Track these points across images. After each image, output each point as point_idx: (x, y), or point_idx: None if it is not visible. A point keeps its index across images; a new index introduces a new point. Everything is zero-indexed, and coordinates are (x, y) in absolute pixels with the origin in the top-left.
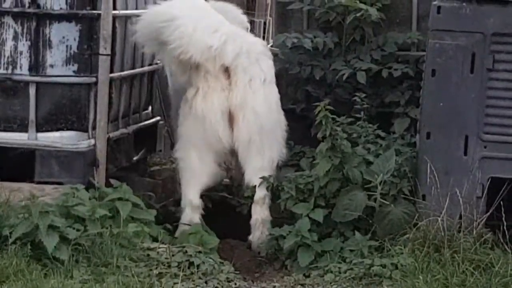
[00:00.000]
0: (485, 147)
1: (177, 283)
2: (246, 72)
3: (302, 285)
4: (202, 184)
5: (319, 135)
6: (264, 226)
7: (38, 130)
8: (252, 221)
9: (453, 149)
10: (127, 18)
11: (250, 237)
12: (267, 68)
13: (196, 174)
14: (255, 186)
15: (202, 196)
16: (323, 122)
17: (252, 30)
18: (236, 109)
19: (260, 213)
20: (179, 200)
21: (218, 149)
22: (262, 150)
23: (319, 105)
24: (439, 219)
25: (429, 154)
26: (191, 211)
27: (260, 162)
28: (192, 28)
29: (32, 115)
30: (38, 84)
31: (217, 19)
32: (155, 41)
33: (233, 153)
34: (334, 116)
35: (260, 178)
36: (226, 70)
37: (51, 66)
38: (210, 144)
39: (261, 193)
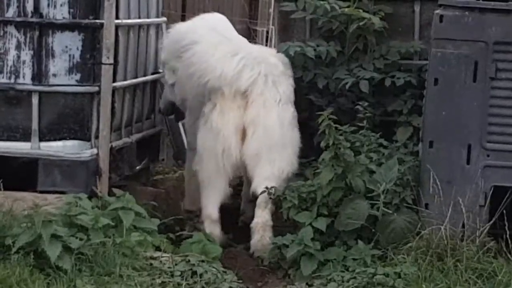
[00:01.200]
0: (488, 155)
1: None
2: (262, 95)
3: None
4: (220, 196)
5: (322, 144)
6: (264, 230)
7: (41, 140)
8: (253, 224)
9: (456, 157)
10: (129, 27)
11: (251, 241)
12: (284, 89)
13: (213, 187)
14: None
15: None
16: (327, 131)
17: (254, 39)
18: (248, 125)
19: (261, 216)
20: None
21: (231, 163)
22: (272, 160)
23: (322, 114)
24: (442, 227)
25: (432, 163)
26: (210, 225)
27: (269, 171)
28: (210, 55)
29: (35, 124)
30: (41, 93)
31: (237, 43)
32: (177, 59)
33: (244, 168)
34: (338, 125)
35: (266, 186)
36: (243, 92)
37: (54, 75)
38: (224, 158)
39: (263, 197)
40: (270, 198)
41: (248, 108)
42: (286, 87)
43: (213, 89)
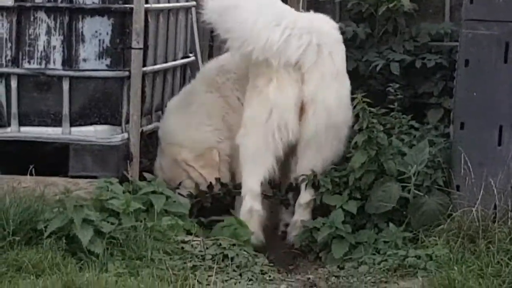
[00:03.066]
0: None
1: (212, 275)
2: (317, 67)
3: (336, 276)
4: (264, 172)
5: (356, 127)
6: (302, 228)
7: (71, 125)
8: (293, 221)
9: (487, 139)
10: (159, 11)
11: (288, 231)
12: (340, 59)
13: (260, 162)
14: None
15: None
16: (360, 114)
17: None
18: (307, 102)
19: (302, 215)
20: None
21: (284, 141)
22: (321, 149)
23: (356, 97)
24: (474, 209)
25: (463, 144)
26: (252, 199)
27: (313, 162)
28: (253, 21)
29: (65, 110)
30: (71, 78)
31: (282, 9)
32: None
33: (292, 149)
34: (371, 109)
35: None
36: (296, 65)
37: (84, 60)
38: (277, 135)
39: (307, 197)
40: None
41: (305, 83)
42: (341, 57)
43: (259, 60)
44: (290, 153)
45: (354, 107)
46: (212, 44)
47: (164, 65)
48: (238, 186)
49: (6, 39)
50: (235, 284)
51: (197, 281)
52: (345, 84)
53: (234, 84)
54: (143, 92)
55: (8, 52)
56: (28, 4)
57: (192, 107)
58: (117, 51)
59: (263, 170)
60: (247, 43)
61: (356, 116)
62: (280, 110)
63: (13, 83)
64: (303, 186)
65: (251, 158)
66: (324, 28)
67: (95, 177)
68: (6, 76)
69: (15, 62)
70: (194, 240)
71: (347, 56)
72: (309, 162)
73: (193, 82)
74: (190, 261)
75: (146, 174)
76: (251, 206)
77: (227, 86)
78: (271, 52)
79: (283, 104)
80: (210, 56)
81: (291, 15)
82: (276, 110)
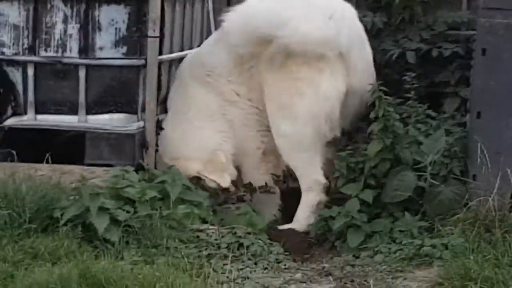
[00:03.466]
0: None
1: (227, 264)
2: (360, 56)
3: (351, 265)
4: (322, 162)
5: (372, 115)
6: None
7: (88, 113)
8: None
9: (504, 128)
10: (175, 0)
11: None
12: (369, 48)
13: (317, 152)
14: None
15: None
16: (377, 103)
17: None
18: (349, 93)
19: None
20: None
21: (333, 130)
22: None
23: (372, 86)
24: (490, 199)
25: (479, 133)
26: (321, 190)
27: None
28: (304, 20)
29: (82, 98)
30: (87, 66)
31: (327, 2)
32: (255, 40)
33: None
34: (388, 97)
35: None
36: (341, 54)
37: (101, 48)
38: (328, 124)
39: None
40: None
41: (350, 75)
42: (368, 44)
43: (313, 53)
44: None
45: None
46: None
47: (180, 53)
48: (262, 187)
49: (23, 27)
50: (250, 272)
51: (212, 269)
52: (374, 73)
53: (227, 77)
54: (159, 80)
55: (25, 40)
56: None
57: (189, 114)
58: (133, 40)
59: (321, 160)
60: (303, 42)
61: (372, 105)
62: (332, 101)
63: (30, 71)
64: None
65: (308, 149)
66: (350, 14)
67: (111, 165)
68: (23, 64)
69: (31, 50)
70: (210, 229)
71: None
72: None
73: (180, 90)
74: (206, 249)
75: None
76: (320, 199)
77: (220, 82)
78: (325, 47)
79: (335, 95)
80: None
81: (336, 3)
82: (329, 101)
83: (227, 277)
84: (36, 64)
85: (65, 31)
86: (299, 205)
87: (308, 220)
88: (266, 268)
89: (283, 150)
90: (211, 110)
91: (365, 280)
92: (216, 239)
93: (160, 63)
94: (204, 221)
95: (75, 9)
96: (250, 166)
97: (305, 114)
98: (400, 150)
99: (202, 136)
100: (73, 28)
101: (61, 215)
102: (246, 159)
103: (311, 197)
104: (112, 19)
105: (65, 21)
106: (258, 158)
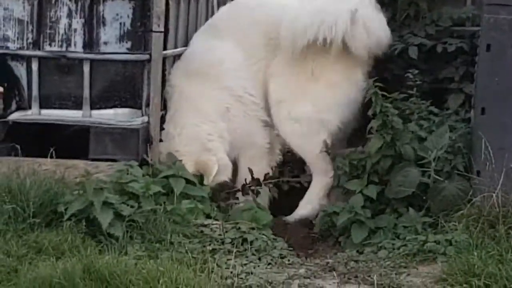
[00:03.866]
0: None
1: (231, 259)
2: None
3: (355, 261)
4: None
5: (370, 112)
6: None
7: (92, 108)
8: None
9: (508, 124)
10: None
11: None
12: None
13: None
14: None
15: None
16: (373, 99)
17: None
18: None
19: None
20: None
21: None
22: None
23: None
24: (494, 195)
25: (483, 129)
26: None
27: None
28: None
29: (86, 93)
30: (92, 61)
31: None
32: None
33: None
34: (384, 93)
35: None
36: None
37: (105, 43)
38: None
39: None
40: None
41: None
42: None
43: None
44: None
45: (367, 92)
46: None
47: (185, 48)
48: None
49: (27, 22)
50: (254, 267)
51: (216, 264)
52: None
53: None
54: (163, 75)
55: (30, 35)
56: None
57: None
58: (138, 34)
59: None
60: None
61: (370, 101)
62: (363, 92)
63: (34, 66)
64: None
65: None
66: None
67: (115, 160)
68: (27, 59)
69: (36, 44)
70: (214, 224)
71: None
72: None
73: (186, 90)
74: (210, 244)
75: None
76: (331, 182)
77: (229, 76)
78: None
79: (365, 85)
80: None
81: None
82: (363, 92)
83: (231, 272)
84: (41, 59)
85: (70, 25)
86: (309, 188)
87: (321, 200)
88: (270, 264)
89: (292, 136)
90: (215, 106)
91: (369, 276)
92: (220, 234)
93: (164, 58)
94: (208, 216)
95: (79, 4)
96: (256, 158)
97: (347, 105)
98: (401, 146)
99: (194, 131)
100: (78, 23)
101: (65, 209)
102: (251, 152)
103: (323, 179)
104: (117, 14)
105: (69, 15)
106: (265, 149)
